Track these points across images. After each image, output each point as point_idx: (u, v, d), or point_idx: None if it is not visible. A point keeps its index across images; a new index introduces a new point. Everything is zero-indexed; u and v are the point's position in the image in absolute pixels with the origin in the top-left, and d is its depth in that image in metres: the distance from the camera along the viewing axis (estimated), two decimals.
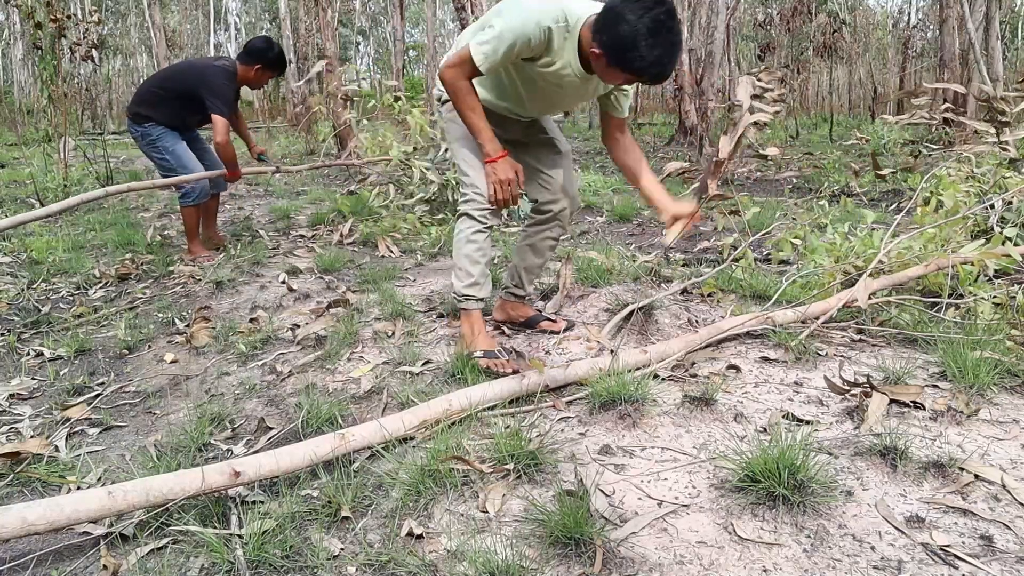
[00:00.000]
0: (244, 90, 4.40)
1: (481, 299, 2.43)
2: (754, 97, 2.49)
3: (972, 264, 2.62)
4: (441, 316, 3.02)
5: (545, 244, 2.68)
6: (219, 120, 4.02)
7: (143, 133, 4.15)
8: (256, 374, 2.52)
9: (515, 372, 2.23)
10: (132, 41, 28.51)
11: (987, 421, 1.85)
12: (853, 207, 4.81)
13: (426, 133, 5.31)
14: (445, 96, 2.38)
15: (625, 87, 2.37)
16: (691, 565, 1.37)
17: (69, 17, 7.09)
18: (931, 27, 19.17)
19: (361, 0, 28.84)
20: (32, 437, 2.11)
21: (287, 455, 1.68)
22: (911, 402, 1.93)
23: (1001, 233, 2.78)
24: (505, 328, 2.77)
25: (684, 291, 3.14)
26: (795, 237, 3.59)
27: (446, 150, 5.41)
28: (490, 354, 2.34)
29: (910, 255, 2.75)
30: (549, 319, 2.74)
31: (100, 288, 3.76)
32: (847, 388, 2.01)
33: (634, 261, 3.72)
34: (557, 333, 2.66)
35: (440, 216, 5.23)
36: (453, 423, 1.93)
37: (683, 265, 3.87)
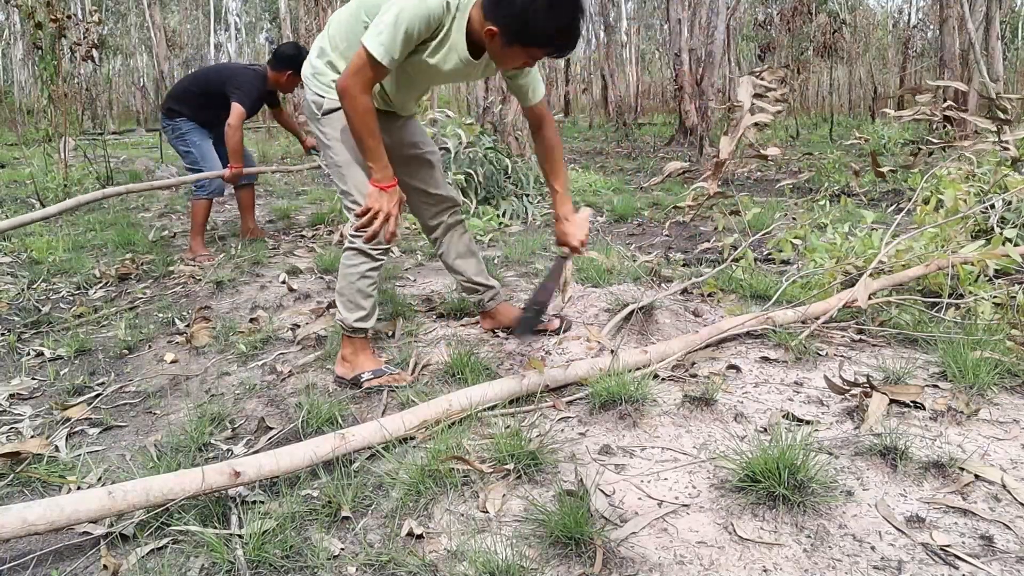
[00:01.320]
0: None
1: (368, 329, 2.34)
2: (756, 96, 2.49)
3: (973, 264, 2.62)
4: (441, 316, 3.02)
5: (462, 242, 2.60)
6: (236, 107, 4.15)
7: (174, 127, 4.32)
8: (256, 374, 2.52)
9: (412, 382, 2.25)
10: (132, 41, 28.51)
11: (987, 421, 1.85)
12: (853, 207, 4.81)
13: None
14: (328, 106, 2.18)
15: (526, 69, 2.17)
16: (691, 565, 1.37)
17: (69, 17, 7.10)
18: (931, 27, 19.17)
19: None
20: (32, 437, 2.11)
21: (287, 455, 1.68)
22: (911, 402, 1.93)
23: (1001, 234, 2.78)
24: (500, 333, 2.70)
25: (684, 291, 3.14)
26: (795, 237, 3.59)
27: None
28: (378, 372, 2.31)
29: (911, 255, 2.75)
30: (541, 322, 2.59)
31: (100, 288, 3.76)
32: (847, 388, 2.01)
33: (634, 261, 3.72)
34: (555, 332, 2.61)
35: None
36: (453, 423, 1.93)
37: (683, 265, 3.87)
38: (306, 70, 2.25)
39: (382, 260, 2.28)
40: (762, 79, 2.51)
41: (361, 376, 2.30)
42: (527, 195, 5.73)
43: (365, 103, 1.98)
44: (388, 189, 2.06)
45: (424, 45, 2.02)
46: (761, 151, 2.56)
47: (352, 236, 2.23)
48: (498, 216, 5.36)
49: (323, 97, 2.19)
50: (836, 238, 3.18)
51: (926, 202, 3.18)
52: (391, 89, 2.23)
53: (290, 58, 4.30)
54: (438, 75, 2.13)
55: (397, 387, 2.26)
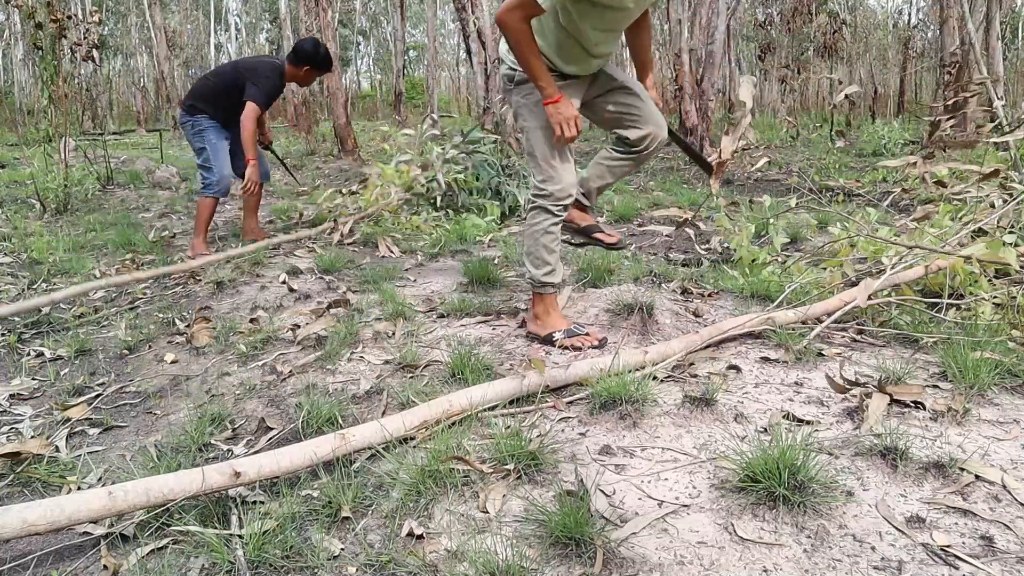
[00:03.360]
0: None
1: (556, 284, 2.53)
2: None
3: (974, 263, 2.62)
4: (442, 316, 3.02)
5: (623, 169, 2.70)
6: (250, 105, 4.25)
7: (193, 123, 4.39)
8: (256, 374, 2.52)
9: (600, 344, 2.41)
10: (133, 41, 28.50)
11: (988, 421, 1.85)
12: (855, 207, 4.81)
13: (406, 179, 5.26)
14: (517, 77, 2.43)
15: None
16: (691, 565, 1.36)
17: (70, 17, 7.09)
18: (931, 27, 19.16)
19: (362, 0, 28.84)
20: (32, 437, 2.11)
21: (287, 455, 1.68)
22: (912, 402, 1.93)
23: (999, 234, 2.78)
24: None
25: (684, 291, 3.14)
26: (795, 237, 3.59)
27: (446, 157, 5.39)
28: (569, 332, 2.48)
29: (914, 259, 2.75)
30: (604, 231, 2.77)
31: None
32: (848, 387, 2.01)
33: (637, 261, 3.72)
34: (613, 247, 2.74)
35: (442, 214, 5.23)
36: (453, 423, 1.93)
37: (683, 265, 3.87)
38: (503, 48, 2.49)
39: (561, 216, 2.48)
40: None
41: (554, 334, 2.47)
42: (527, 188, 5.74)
43: (523, 30, 2.22)
44: (559, 100, 2.30)
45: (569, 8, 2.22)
46: (754, 144, 2.58)
47: (535, 196, 2.47)
48: (500, 206, 5.38)
49: (515, 71, 2.44)
50: (839, 234, 3.18)
51: (927, 201, 3.19)
52: (577, 45, 2.36)
53: (308, 54, 4.40)
54: (601, 14, 2.27)
55: (587, 348, 2.41)
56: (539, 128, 2.42)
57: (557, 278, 2.53)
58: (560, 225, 2.50)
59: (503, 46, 2.47)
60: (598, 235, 2.73)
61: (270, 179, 4.84)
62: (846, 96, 3.08)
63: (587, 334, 2.48)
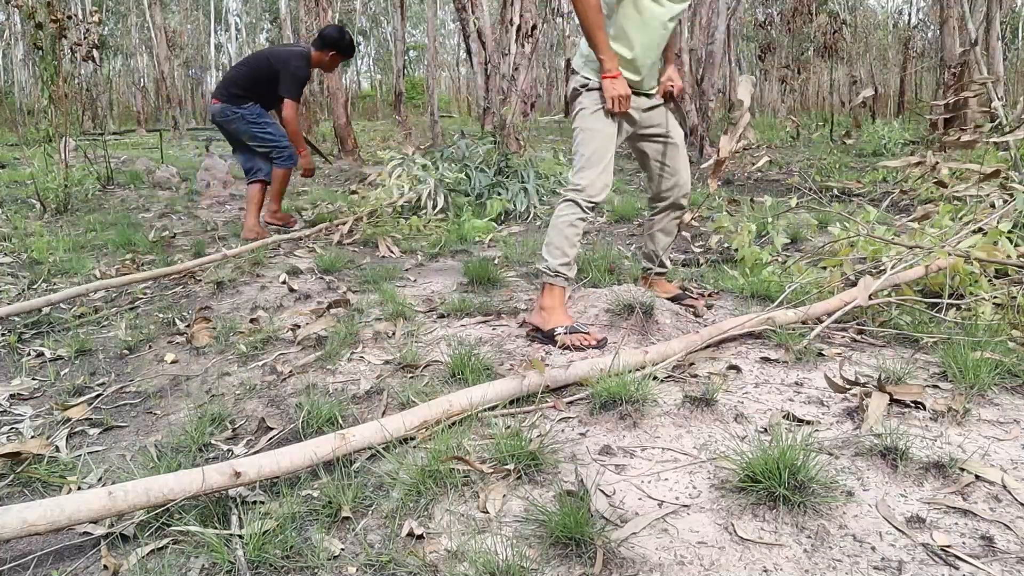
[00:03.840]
0: None
1: (569, 278, 2.63)
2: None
3: (973, 263, 2.61)
4: (442, 316, 3.02)
5: (672, 224, 2.95)
6: (288, 103, 4.53)
7: (243, 113, 4.60)
8: (256, 374, 2.52)
9: (599, 344, 2.47)
10: (133, 41, 28.49)
11: (988, 421, 1.85)
12: (855, 207, 4.81)
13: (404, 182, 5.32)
14: (591, 84, 2.60)
15: None
16: (692, 565, 1.36)
17: (70, 17, 7.09)
18: (931, 27, 19.16)
19: (362, 0, 28.84)
20: (33, 437, 2.11)
21: (287, 455, 1.68)
22: (912, 402, 1.93)
23: (998, 230, 2.77)
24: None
25: (683, 291, 3.13)
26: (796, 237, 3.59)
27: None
28: (572, 329, 2.54)
29: (914, 258, 2.75)
30: (691, 295, 3.01)
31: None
32: (847, 387, 2.01)
33: (637, 261, 3.72)
34: (700, 306, 2.90)
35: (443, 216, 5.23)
36: (453, 423, 1.93)
37: (683, 265, 3.86)
38: (577, 61, 2.68)
39: (588, 214, 2.61)
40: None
41: (556, 329, 2.54)
42: (525, 188, 5.75)
43: (593, 4, 2.43)
44: (617, 76, 2.49)
45: None
46: (754, 155, 2.61)
47: (569, 190, 2.61)
48: (504, 202, 5.39)
49: (589, 80, 2.61)
50: (838, 234, 3.18)
51: (927, 201, 3.19)
52: (630, 44, 2.56)
53: (334, 39, 4.63)
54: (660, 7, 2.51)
55: (587, 348, 2.47)
56: (592, 130, 2.58)
57: (571, 272, 2.63)
58: (585, 221, 2.61)
59: (577, 59, 2.68)
60: (688, 302, 2.94)
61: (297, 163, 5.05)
62: (863, 99, 3.11)
63: (588, 335, 2.52)
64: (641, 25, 2.53)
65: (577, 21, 2.60)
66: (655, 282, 3.06)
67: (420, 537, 1.49)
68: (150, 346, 2.91)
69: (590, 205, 2.59)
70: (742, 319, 2.48)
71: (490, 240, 4.71)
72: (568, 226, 2.59)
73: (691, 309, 2.89)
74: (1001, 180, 3.35)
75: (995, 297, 2.52)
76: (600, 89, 2.55)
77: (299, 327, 2.90)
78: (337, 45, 4.65)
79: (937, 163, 3.36)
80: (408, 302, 3.18)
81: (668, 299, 2.93)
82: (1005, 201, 3.21)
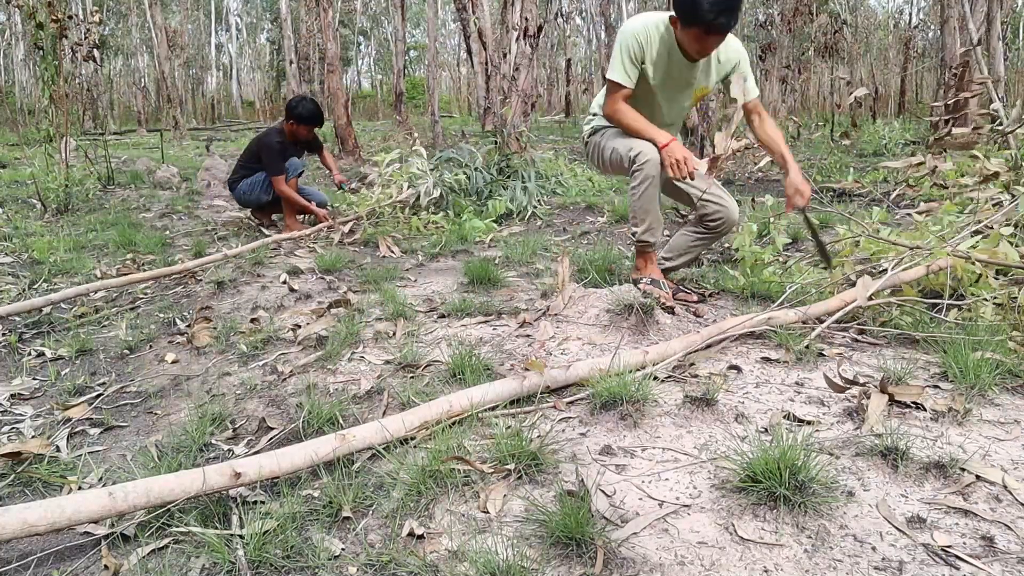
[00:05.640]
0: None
1: (653, 243, 2.93)
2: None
3: (975, 263, 2.61)
4: (442, 316, 3.02)
5: (702, 247, 3.14)
6: (272, 180, 4.98)
7: (237, 194, 5.23)
8: (257, 374, 2.52)
9: (670, 306, 2.74)
10: (133, 41, 28.51)
11: (988, 422, 1.85)
12: (856, 207, 4.80)
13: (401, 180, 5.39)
14: (598, 126, 3.02)
15: (739, 70, 2.83)
16: (692, 566, 1.36)
17: (70, 17, 7.09)
18: (932, 27, 19.15)
19: (362, 0, 28.83)
20: (33, 437, 2.11)
21: (288, 456, 1.68)
22: (912, 403, 1.93)
23: (998, 232, 2.77)
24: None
25: (682, 290, 3.13)
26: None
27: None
28: (655, 283, 2.88)
29: (915, 258, 2.75)
30: (685, 291, 3.10)
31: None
32: (846, 386, 2.01)
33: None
34: (693, 303, 3.00)
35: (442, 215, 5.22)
36: (454, 423, 1.93)
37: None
38: (584, 129, 3.16)
39: (655, 173, 2.77)
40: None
41: (642, 279, 2.92)
42: (526, 188, 5.76)
43: (623, 107, 2.80)
44: (671, 143, 2.70)
45: (644, 69, 2.76)
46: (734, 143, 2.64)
47: (633, 170, 2.80)
48: (506, 203, 5.40)
49: (592, 131, 3.07)
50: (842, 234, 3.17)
51: (929, 200, 3.18)
52: (659, 103, 2.90)
53: (291, 109, 4.95)
54: (676, 79, 2.80)
55: (660, 300, 2.76)
56: (611, 142, 2.90)
57: (653, 238, 2.92)
58: (657, 187, 2.81)
59: (591, 124, 3.06)
60: (680, 296, 3.05)
61: (327, 203, 5.45)
62: (855, 99, 3.14)
63: (666, 293, 2.84)
64: (655, 114, 2.87)
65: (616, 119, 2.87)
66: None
67: (420, 537, 1.49)
68: (151, 346, 2.91)
69: (652, 166, 2.74)
70: (742, 319, 2.48)
71: (491, 240, 4.71)
72: (641, 195, 2.82)
73: (691, 309, 2.89)
74: (1004, 181, 3.34)
75: (995, 297, 2.52)
76: (599, 131, 2.95)
77: (300, 327, 2.90)
78: (294, 114, 4.92)
79: (936, 167, 3.36)
80: (409, 302, 3.18)
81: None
82: (1005, 203, 3.21)
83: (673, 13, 2.58)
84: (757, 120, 2.90)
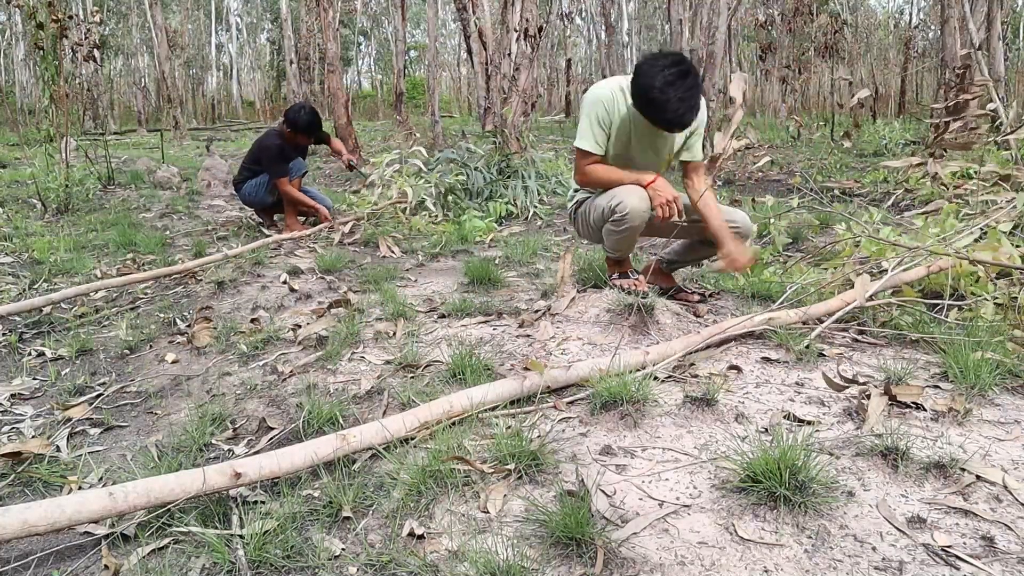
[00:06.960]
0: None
1: (618, 260, 2.96)
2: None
3: (976, 264, 2.61)
4: (443, 316, 3.02)
5: (703, 255, 3.07)
6: (275, 183, 4.99)
7: (253, 183, 5.19)
8: (257, 374, 2.52)
9: (643, 290, 2.79)
10: (134, 41, 28.52)
11: (988, 422, 1.85)
12: (856, 207, 4.80)
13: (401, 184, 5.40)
14: (575, 203, 2.98)
15: (699, 132, 2.78)
16: (692, 565, 1.36)
17: (71, 17, 7.10)
18: (932, 27, 19.15)
19: (362, 0, 28.83)
20: (33, 437, 2.11)
21: (288, 456, 1.68)
22: (912, 403, 1.93)
23: (998, 232, 2.77)
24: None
25: (681, 290, 3.13)
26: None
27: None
28: (624, 275, 2.90)
29: (916, 261, 2.75)
30: (686, 291, 3.10)
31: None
32: (846, 386, 2.01)
33: (637, 261, 3.71)
34: (693, 303, 2.99)
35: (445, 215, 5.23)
36: (454, 423, 1.93)
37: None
38: (569, 203, 3.09)
39: (631, 223, 2.69)
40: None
41: (612, 275, 2.96)
42: (526, 188, 5.76)
43: (593, 170, 2.74)
44: (655, 180, 2.63)
45: (613, 130, 2.68)
46: (735, 142, 2.63)
47: (613, 221, 2.72)
48: (506, 203, 5.40)
49: (576, 206, 3.00)
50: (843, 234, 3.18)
51: (928, 200, 3.18)
52: (635, 159, 2.78)
53: (289, 118, 4.94)
54: (644, 140, 2.71)
55: (634, 291, 2.78)
56: (593, 203, 2.83)
57: (623, 256, 2.94)
58: (638, 230, 2.73)
59: (574, 200, 3.00)
60: (681, 295, 3.06)
61: (330, 206, 5.38)
62: (859, 101, 3.13)
63: (637, 279, 2.89)
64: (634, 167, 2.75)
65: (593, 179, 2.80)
66: (657, 272, 3.14)
67: (421, 537, 1.49)
68: (151, 346, 2.91)
69: (628, 215, 2.67)
70: (743, 319, 2.48)
71: (491, 240, 4.71)
72: (616, 236, 2.77)
73: (691, 309, 2.89)
74: (1012, 182, 3.33)
75: (996, 297, 2.52)
76: (581, 204, 2.91)
77: (300, 327, 2.90)
78: (293, 124, 4.92)
79: (937, 172, 3.36)
80: (409, 302, 3.18)
81: (666, 292, 3.03)
82: (1004, 200, 3.21)
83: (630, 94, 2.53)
84: (694, 182, 2.81)
